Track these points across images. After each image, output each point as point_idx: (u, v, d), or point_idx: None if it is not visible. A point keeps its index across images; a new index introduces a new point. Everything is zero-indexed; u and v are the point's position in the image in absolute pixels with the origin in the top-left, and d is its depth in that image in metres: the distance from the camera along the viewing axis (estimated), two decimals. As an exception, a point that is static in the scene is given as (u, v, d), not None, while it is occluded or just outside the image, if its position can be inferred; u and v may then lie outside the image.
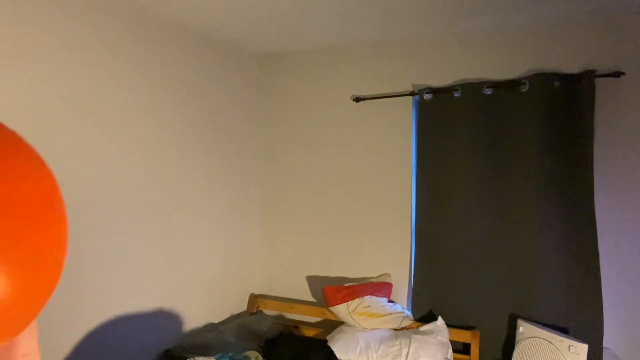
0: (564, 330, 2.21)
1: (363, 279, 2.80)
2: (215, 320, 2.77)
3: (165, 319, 2.39)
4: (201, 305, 2.64)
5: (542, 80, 2.22)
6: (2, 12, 1.64)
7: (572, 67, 2.27)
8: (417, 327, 2.46)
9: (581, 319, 2.20)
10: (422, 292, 2.58)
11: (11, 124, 0.57)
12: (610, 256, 2.24)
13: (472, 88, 2.39)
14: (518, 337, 2.25)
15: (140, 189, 2.22)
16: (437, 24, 2.40)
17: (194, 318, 2.59)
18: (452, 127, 2.47)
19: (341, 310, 2.53)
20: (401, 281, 2.74)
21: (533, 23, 2.35)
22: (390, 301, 2.62)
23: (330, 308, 2.59)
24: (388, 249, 2.77)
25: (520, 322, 2.26)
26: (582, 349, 1.98)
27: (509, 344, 2.38)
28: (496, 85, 2.35)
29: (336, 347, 2.31)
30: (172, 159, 2.42)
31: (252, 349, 2.38)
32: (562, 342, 2.05)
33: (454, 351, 2.42)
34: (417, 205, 2.59)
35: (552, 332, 2.11)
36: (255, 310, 2.97)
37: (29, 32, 1.73)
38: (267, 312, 3.06)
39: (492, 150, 2.40)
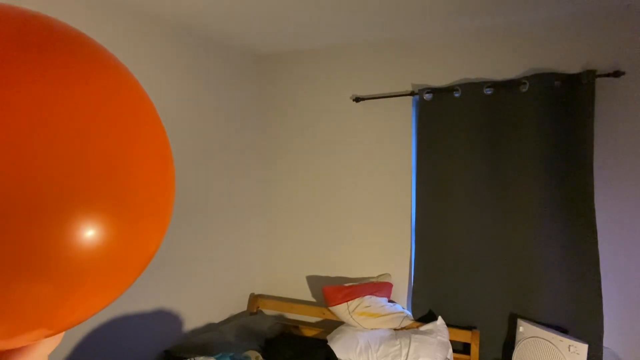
0: (564, 330, 2.22)
1: (363, 279, 2.80)
2: (215, 320, 2.77)
3: (165, 319, 2.39)
4: (201, 305, 2.64)
5: (542, 80, 2.22)
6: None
7: (572, 67, 2.27)
8: (417, 327, 2.46)
9: (581, 319, 2.20)
10: (422, 292, 2.58)
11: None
12: (610, 256, 2.24)
13: (472, 88, 2.39)
14: (518, 337, 2.25)
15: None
16: (437, 24, 2.40)
17: (194, 318, 2.59)
18: (452, 127, 2.47)
19: (341, 310, 2.53)
20: (401, 281, 2.74)
21: (533, 23, 2.35)
22: (390, 301, 2.62)
23: (330, 308, 2.59)
24: (388, 249, 2.77)
25: (520, 322, 2.26)
26: (582, 349, 1.98)
27: (509, 344, 2.38)
28: (496, 85, 2.35)
29: (336, 347, 2.31)
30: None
31: (252, 349, 2.38)
32: (562, 342, 2.05)
33: (454, 351, 2.43)
34: (417, 205, 2.59)
35: (552, 332, 2.11)
36: (255, 310, 2.97)
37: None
38: (267, 312, 3.07)
39: (492, 150, 2.40)
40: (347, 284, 2.62)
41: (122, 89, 0.36)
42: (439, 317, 2.40)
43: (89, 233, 0.31)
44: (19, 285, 0.30)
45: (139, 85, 0.39)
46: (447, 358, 2.27)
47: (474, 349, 2.31)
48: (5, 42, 0.31)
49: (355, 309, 2.49)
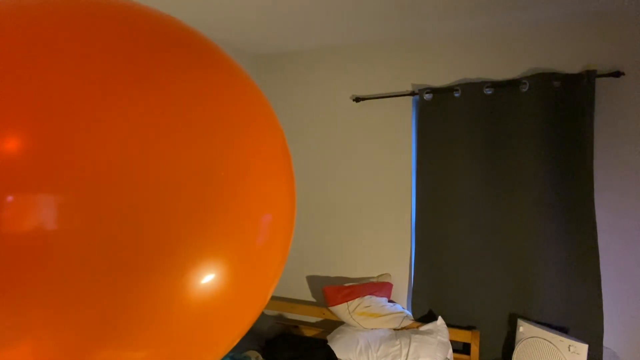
0: (564, 330, 2.22)
1: (363, 279, 2.80)
2: (215, 320, 2.76)
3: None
4: (201, 305, 2.64)
5: (542, 80, 2.22)
6: None
7: (572, 67, 2.27)
8: (417, 327, 2.46)
9: (581, 319, 2.20)
10: (422, 292, 2.58)
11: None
12: (610, 256, 2.24)
13: (472, 88, 2.39)
14: (518, 337, 2.25)
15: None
16: (437, 24, 2.40)
17: (194, 318, 2.59)
18: (452, 127, 2.47)
19: (341, 310, 2.53)
20: (401, 281, 2.74)
21: (533, 23, 2.35)
22: (390, 301, 2.62)
23: (330, 308, 2.59)
24: (388, 249, 2.77)
25: (520, 322, 2.26)
26: (582, 349, 1.98)
27: (509, 344, 2.38)
28: (496, 85, 2.35)
29: (336, 347, 2.31)
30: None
31: (252, 349, 2.38)
32: (562, 342, 2.05)
33: (454, 351, 2.43)
34: (417, 205, 2.59)
35: (552, 332, 2.11)
36: (255, 310, 2.96)
37: None
38: (267, 312, 3.07)
39: (492, 150, 2.40)
40: (347, 284, 2.62)
41: (250, 100, 0.34)
42: (439, 317, 2.40)
43: (208, 277, 0.22)
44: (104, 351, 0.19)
45: (263, 97, 0.37)
46: (447, 358, 2.27)
47: (474, 349, 2.31)
48: (161, 47, 0.29)
49: (355, 309, 2.49)
